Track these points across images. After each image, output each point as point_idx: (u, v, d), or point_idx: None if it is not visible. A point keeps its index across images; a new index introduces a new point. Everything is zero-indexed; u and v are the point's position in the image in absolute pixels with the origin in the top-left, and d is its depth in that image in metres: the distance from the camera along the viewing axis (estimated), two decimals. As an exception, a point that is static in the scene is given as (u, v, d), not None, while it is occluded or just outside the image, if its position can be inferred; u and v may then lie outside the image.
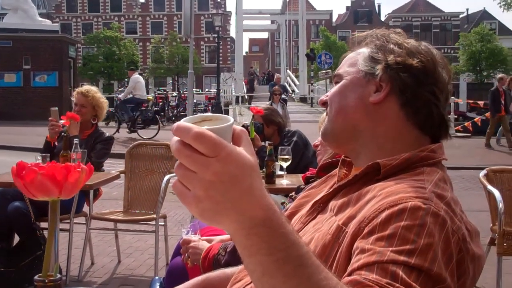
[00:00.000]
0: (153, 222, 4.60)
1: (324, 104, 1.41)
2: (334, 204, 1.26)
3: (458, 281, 1.07)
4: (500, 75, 16.22)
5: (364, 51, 1.36)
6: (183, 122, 0.81)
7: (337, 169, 1.45)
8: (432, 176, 1.19)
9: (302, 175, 3.18)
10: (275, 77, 22.46)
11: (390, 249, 0.99)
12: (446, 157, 1.30)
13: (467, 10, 60.48)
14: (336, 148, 1.44)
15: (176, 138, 0.80)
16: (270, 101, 16.22)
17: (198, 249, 2.17)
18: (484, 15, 57.56)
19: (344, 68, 1.39)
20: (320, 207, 1.33)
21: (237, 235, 0.84)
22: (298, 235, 0.88)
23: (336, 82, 1.40)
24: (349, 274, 1.00)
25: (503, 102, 14.13)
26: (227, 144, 0.80)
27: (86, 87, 4.88)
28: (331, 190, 1.33)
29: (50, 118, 4.62)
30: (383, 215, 1.05)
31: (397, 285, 0.94)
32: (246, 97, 30.46)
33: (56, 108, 4.63)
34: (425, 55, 1.30)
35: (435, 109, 1.29)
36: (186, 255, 2.23)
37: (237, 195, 0.80)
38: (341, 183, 1.32)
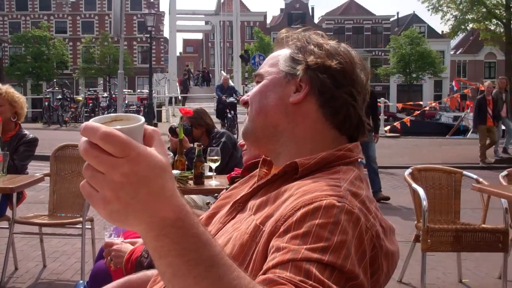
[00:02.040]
0: (80, 226, 4.50)
1: (246, 103, 1.41)
2: (253, 203, 1.27)
3: (372, 277, 1.09)
4: (486, 82, 13.79)
5: (285, 51, 1.38)
6: (91, 122, 0.79)
7: (258, 168, 1.45)
8: (348, 175, 1.21)
9: (228, 175, 3.18)
10: (222, 78, 22.04)
11: (305, 247, 1.00)
12: (361, 155, 1.32)
13: (398, 13, 62.32)
14: (256, 147, 1.44)
15: (84, 139, 0.78)
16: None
17: (121, 252, 2.14)
18: (414, 18, 59.32)
19: (265, 68, 1.40)
20: (239, 206, 1.33)
21: (147, 237, 0.83)
22: (211, 235, 0.87)
23: (258, 82, 1.40)
24: (264, 273, 1.00)
25: (490, 112, 12.63)
26: (137, 144, 0.78)
27: None
28: (250, 189, 1.34)
29: None
30: (299, 213, 1.06)
31: (311, 282, 0.95)
32: (179, 98, 30.26)
33: None
34: (344, 57, 1.32)
35: (353, 110, 1.31)
36: (109, 258, 2.19)
37: (147, 196, 0.79)
38: (260, 182, 1.33)
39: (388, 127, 21.90)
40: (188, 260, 0.82)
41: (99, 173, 0.77)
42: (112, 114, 0.86)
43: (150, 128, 0.85)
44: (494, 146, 13.15)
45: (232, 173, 2.92)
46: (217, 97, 18.32)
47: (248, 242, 1.16)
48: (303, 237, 1.02)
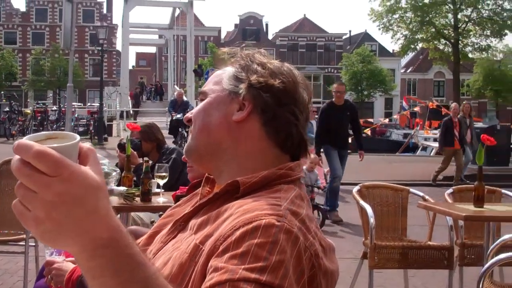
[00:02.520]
0: (23, 243, 4.37)
1: (189, 121, 1.41)
2: (194, 222, 1.26)
3: None
4: (453, 104, 13.37)
5: (229, 70, 1.38)
6: (24, 140, 0.77)
7: (201, 187, 1.44)
8: (289, 194, 1.21)
9: (173, 193, 3.14)
10: (176, 93, 21.77)
11: (242, 267, 1.00)
12: (303, 174, 1.33)
13: (350, 31, 63.24)
14: (199, 165, 1.44)
15: (17, 157, 0.77)
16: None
17: (61, 271, 2.08)
18: (366, 37, 60.41)
19: (209, 86, 1.40)
20: (181, 225, 1.32)
21: (81, 257, 0.82)
22: (146, 256, 0.86)
23: (202, 100, 1.40)
24: None
25: (457, 134, 12.19)
26: (70, 163, 0.77)
27: None
28: (192, 208, 1.33)
29: None
30: (238, 233, 1.06)
31: None
32: (131, 112, 29.93)
33: None
34: (286, 76, 1.33)
35: (295, 129, 1.31)
36: (49, 277, 2.13)
37: (81, 216, 0.78)
38: (202, 201, 1.32)
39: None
40: (122, 281, 0.81)
41: (32, 192, 0.76)
42: (46, 132, 0.84)
43: (85, 146, 0.84)
44: (456, 171, 12.57)
45: (177, 191, 2.89)
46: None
47: (187, 262, 1.15)
48: (241, 257, 1.02)
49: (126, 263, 0.82)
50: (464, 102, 14.26)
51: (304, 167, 7.68)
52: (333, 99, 8.90)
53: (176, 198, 2.59)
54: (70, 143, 0.81)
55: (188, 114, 1.42)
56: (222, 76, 1.38)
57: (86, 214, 0.78)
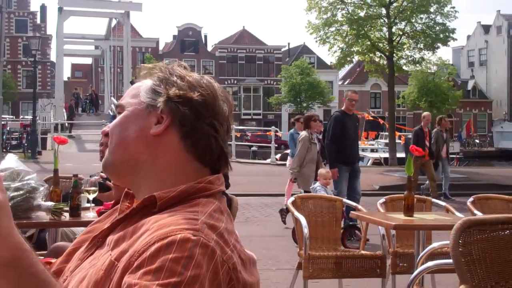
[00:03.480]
0: None
1: (107, 135, 1.37)
2: (111, 238, 1.23)
3: None
4: (425, 113, 12.95)
5: (147, 82, 1.35)
6: None
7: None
8: (207, 207, 1.20)
9: (97, 209, 3.07)
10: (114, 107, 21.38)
11: (156, 282, 0.99)
12: (223, 188, 1.33)
13: (289, 44, 63.91)
14: (117, 180, 1.42)
15: None
16: None
17: None
18: (304, 49, 61.24)
19: (126, 99, 1.37)
20: (98, 242, 1.29)
21: None
22: (51, 274, 0.85)
23: (119, 113, 1.37)
24: None
25: (427, 144, 11.82)
26: None
27: None
28: (110, 224, 1.30)
29: None
30: (152, 248, 1.05)
31: None
32: (66, 124, 29.29)
33: None
34: (206, 89, 1.32)
35: (214, 141, 1.30)
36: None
37: None
38: (119, 217, 1.30)
39: (279, 155, 22.33)
40: None
41: None
42: None
43: None
44: (430, 182, 12.13)
45: (101, 207, 2.82)
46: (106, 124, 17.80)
47: (102, 279, 1.12)
48: (155, 272, 1.01)
49: (30, 282, 0.80)
50: (443, 116, 13.61)
51: (318, 183, 7.43)
52: (344, 108, 8.30)
53: (100, 214, 2.53)
54: None
55: (105, 128, 1.39)
56: (139, 89, 1.35)
57: None
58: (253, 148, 29.37)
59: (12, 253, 0.79)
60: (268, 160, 21.80)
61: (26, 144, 21.59)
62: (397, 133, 29.41)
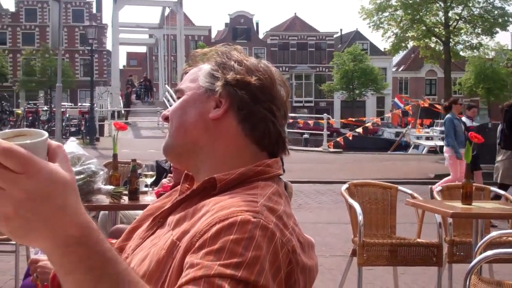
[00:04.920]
0: (13, 242, 4.37)
1: (167, 119, 1.40)
2: (172, 219, 1.26)
3: None
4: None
5: (205, 67, 1.37)
6: None
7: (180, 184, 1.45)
8: (266, 190, 1.21)
9: (155, 191, 3.14)
10: None
11: (218, 263, 1.00)
12: (281, 171, 1.33)
13: (341, 30, 63.27)
14: (177, 163, 1.45)
15: None
16: None
17: (46, 269, 2.08)
18: (357, 35, 60.51)
19: (185, 83, 1.39)
20: (159, 222, 1.32)
21: (52, 254, 0.81)
22: (117, 252, 0.87)
23: (178, 98, 1.40)
24: None
25: None
26: (38, 160, 0.77)
27: None
28: (171, 204, 1.33)
29: None
30: (214, 229, 1.06)
31: None
32: (122, 112, 29.87)
33: None
34: (263, 73, 1.33)
35: (272, 126, 1.31)
36: (35, 275, 2.13)
37: (49, 213, 0.77)
38: (180, 197, 1.32)
39: (331, 142, 22.23)
40: (93, 277, 0.81)
41: (0, 189, 0.76)
42: (15, 130, 0.84)
43: (54, 143, 0.84)
44: None
45: (160, 189, 2.88)
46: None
47: (164, 258, 1.14)
48: (217, 253, 1.02)
49: (97, 259, 0.82)
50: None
51: None
52: None
53: (159, 196, 2.59)
54: (38, 140, 0.81)
55: (165, 112, 1.42)
56: (198, 74, 1.37)
57: (54, 211, 0.78)
58: (305, 136, 29.26)
59: (80, 231, 0.80)
60: (320, 148, 21.71)
61: (84, 131, 22.10)
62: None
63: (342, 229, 7.36)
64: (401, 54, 45.15)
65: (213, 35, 62.04)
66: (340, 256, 5.99)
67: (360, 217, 4.21)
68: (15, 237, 0.80)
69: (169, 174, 4.17)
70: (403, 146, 32.07)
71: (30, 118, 23.63)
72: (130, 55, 76.24)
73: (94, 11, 56.54)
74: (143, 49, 62.71)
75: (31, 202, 0.76)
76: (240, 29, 58.90)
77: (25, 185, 0.75)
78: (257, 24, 61.56)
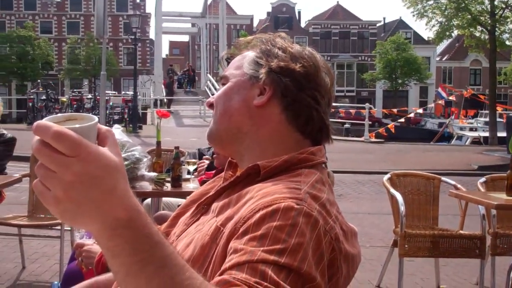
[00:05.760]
0: (59, 227, 4.48)
1: (211, 106, 1.41)
2: (216, 205, 1.27)
3: (331, 280, 1.10)
4: None
5: (250, 54, 1.38)
6: (43, 121, 0.79)
7: (224, 170, 1.46)
8: (309, 178, 1.21)
9: (199, 178, 3.17)
10: None
11: (261, 248, 1.01)
12: (325, 159, 1.33)
13: (384, 19, 62.64)
14: (221, 149, 1.46)
15: (36, 138, 0.78)
16: None
17: (91, 253, 2.13)
18: (400, 24, 59.56)
19: (230, 70, 1.40)
20: (203, 208, 1.34)
21: (100, 236, 0.83)
22: (163, 236, 0.87)
23: (223, 84, 1.41)
24: (221, 274, 1.00)
25: None
26: (88, 144, 0.78)
27: None
28: (215, 191, 1.34)
29: None
30: (258, 215, 1.07)
31: (266, 284, 0.95)
32: (165, 100, 30.15)
33: None
34: (308, 60, 1.33)
35: (316, 113, 1.31)
36: (80, 259, 2.18)
37: (98, 196, 0.79)
38: (224, 184, 1.34)
39: (373, 133, 22.02)
40: (139, 260, 0.82)
41: (51, 172, 0.78)
42: (66, 114, 0.86)
43: (104, 128, 0.85)
44: None
45: (203, 176, 2.91)
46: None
47: (208, 244, 1.16)
48: (260, 239, 1.03)
49: (144, 242, 0.83)
50: None
51: None
52: None
53: (202, 183, 2.62)
54: (88, 124, 0.82)
55: (210, 99, 1.43)
56: (243, 61, 1.38)
57: (103, 194, 0.79)
58: (346, 125, 29.05)
59: (128, 214, 0.81)
60: (362, 138, 21.54)
61: (127, 119, 22.37)
62: (500, 108, 28.08)
63: (382, 219, 7.31)
64: (445, 43, 44.24)
65: (255, 24, 61.99)
66: (381, 247, 5.96)
67: (402, 208, 4.18)
68: (65, 219, 0.82)
69: (204, 157, 4.21)
70: (446, 137, 31.57)
71: (75, 105, 24.03)
72: (172, 44, 76.79)
73: (138, 0, 57.08)
74: (185, 38, 63.13)
75: (81, 185, 0.77)
76: (282, 18, 58.65)
77: (76, 168, 0.77)
78: (299, 12, 61.30)
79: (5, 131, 4.67)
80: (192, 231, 1.28)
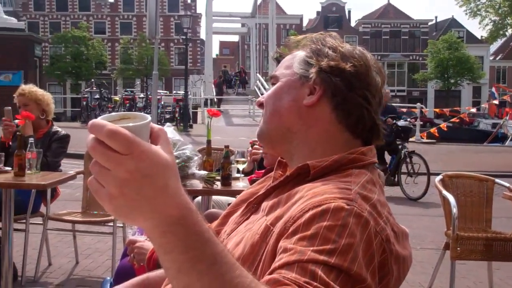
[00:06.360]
0: (111, 224, 4.57)
1: (261, 105, 1.42)
2: (266, 204, 1.28)
3: (381, 281, 1.09)
4: None
5: (300, 54, 1.38)
6: (98, 120, 0.81)
7: (274, 170, 1.46)
8: (360, 178, 1.20)
9: (248, 177, 3.18)
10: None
11: (311, 248, 1.00)
12: (376, 159, 1.32)
13: (436, 17, 61.42)
14: (271, 149, 1.45)
15: (91, 136, 0.80)
16: None
17: (143, 249, 2.16)
18: (452, 23, 58.40)
19: (280, 70, 1.40)
20: (253, 207, 1.35)
21: (152, 233, 0.84)
22: (214, 233, 0.88)
23: (273, 84, 1.41)
24: (271, 273, 1.01)
25: None
26: (141, 142, 0.80)
27: (21, 87, 4.81)
28: (264, 191, 1.35)
29: (3, 118, 4.55)
30: (307, 215, 1.07)
31: (315, 284, 0.95)
32: (215, 100, 30.40)
33: (10, 107, 4.51)
34: (358, 60, 1.32)
35: (366, 113, 1.30)
36: (132, 255, 2.22)
37: (151, 193, 0.80)
38: (273, 184, 1.34)
39: (424, 133, 21.65)
40: (191, 257, 0.83)
41: (105, 169, 0.79)
42: (120, 113, 0.88)
43: (156, 127, 0.87)
44: None
45: (253, 175, 2.92)
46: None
47: (258, 243, 1.17)
48: (310, 239, 1.02)
49: (195, 240, 0.84)
50: None
51: None
52: None
53: (252, 182, 2.63)
54: (141, 122, 0.84)
55: (260, 98, 1.43)
56: (293, 60, 1.38)
57: (156, 191, 0.80)
58: (397, 125, 28.61)
59: (180, 212, 0.82)
60: (413, 138, 21.19)
61: (178, 118, 22.63)
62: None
63: (433, 221, 7.18)
64: (499, 42, 43.13)
65: (305, 23, 61.74)
66: (431, 249, 5.86)
67: (455, 210, 4.09)
68: (118, 216, 0.84)
69: (249, 148, 4.20)
70: (500, 138, 30.72)
71: (127, 104, 24.49)
72: (222, 44, 77.32)
73: (188, 1, 57.69)
74: (235, 38, 63.51)
75: (135, 182, 0.79)
76: (332, 17, 58.29)
77: (129, 166, 0.78)
78: (349, 12, 60.68)
79: (59, 129, 4.79)
80: (242, 230, 1.29)
